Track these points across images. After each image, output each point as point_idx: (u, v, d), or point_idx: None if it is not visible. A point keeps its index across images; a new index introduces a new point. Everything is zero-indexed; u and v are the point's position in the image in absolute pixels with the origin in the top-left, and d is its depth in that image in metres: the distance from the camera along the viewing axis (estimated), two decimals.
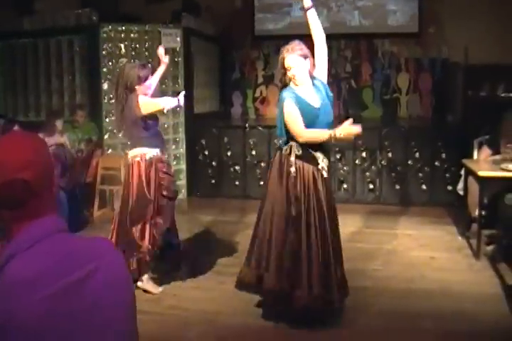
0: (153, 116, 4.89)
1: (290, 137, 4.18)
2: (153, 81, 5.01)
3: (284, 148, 4.21)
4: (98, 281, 1.33)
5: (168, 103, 4.80)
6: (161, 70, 5.21)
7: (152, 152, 4.83)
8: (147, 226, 4.78)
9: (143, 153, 4.81)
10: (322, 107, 4.24)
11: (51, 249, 1.30)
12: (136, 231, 4.75)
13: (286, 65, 4.15)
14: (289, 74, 4.17)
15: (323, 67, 4.34)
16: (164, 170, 4.89)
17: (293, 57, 4.14)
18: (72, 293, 1.27)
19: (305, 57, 4.17)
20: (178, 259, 5.30)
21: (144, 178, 4.78)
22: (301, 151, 4.17)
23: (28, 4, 8.75)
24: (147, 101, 4.76)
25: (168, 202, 4.94)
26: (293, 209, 4.13)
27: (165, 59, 5.18)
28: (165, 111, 4.90)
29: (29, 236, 1.29)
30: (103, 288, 1.34)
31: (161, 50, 5.19)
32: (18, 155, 1.31)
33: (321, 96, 4.26)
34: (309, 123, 4.15)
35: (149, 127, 4.84)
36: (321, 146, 4.24)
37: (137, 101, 4.72)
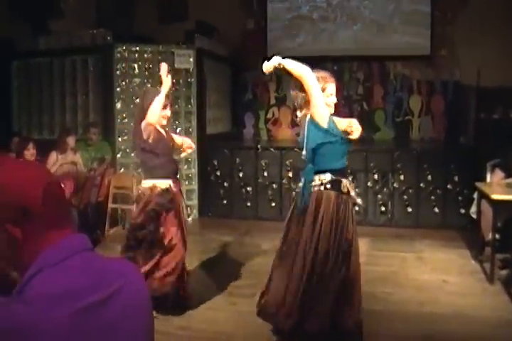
0: (162, 141, 4.74)
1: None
2: (157, 102, 4.62)
3: (342, 185, 4.18)
4: (122, 300, 1.34)
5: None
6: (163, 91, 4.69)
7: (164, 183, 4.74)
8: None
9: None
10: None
11: (78, 265, 1.31)
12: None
13: (328, 92, 4.19)
14: (330, 101, 4.20)
15: None
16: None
17: (333, 86, 4.23)
18: (97, 310, 1.27)
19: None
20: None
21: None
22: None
23: (43, 24, 8.86)
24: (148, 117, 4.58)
25: None
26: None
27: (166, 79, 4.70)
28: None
29: (58, 252, 1.31)
30: (126, 306, 1.35)
31: (163, 68, 4.77)
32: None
33: None
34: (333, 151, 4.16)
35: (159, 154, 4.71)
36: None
37: (141, 126, 4.62)
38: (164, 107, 4.65)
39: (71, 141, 7.33)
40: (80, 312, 1.24)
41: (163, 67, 4.77)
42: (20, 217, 1.30)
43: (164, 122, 4.77)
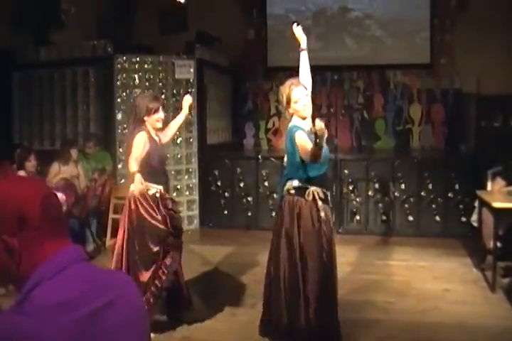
0: (158, 152, 4.66)
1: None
2: (171, 128, 4.96)
3: (307, 192, 4.14)
4: (119, 309, 1.36)
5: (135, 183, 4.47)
6: (180, 118, 5.03)
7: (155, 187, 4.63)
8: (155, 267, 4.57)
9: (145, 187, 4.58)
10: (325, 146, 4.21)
11: (75, 276, 1.34)
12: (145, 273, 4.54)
13: (294, 98, 4.10)
14: (298, 106, 4.11)
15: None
16: (170, 207, 4.64)
17: (301, 88, 4.12)
18: (95, 319, 1.30)
19: (308, 91, 4.20)
20: (186, 300, 4.93)
21: (146, 215, 4.55)
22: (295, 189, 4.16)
23: (44, 36, 8.89)
24: (135, 143, 4.53)
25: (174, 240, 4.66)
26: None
27: (186, 108, 4.99)
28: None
29: (54, 265, 1.33)
30: (123, 315, 1.37)
31: (187, 99, 5.02)
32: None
33: None
34: (322, 163, 4.10)
35: (155, 164, 4.64)
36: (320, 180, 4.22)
37: (134, 137, 4.55)
38: (156, 111, 4.59)
39: (74, 152, 7.35)
40: (81, 321, 1.26)
41: (187, 98, 5.01)
42: (17, 227, 1.32)
43: (159, 125, 4.66)
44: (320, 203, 4.08)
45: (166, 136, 4.93)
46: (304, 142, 3.95)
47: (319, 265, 4.07)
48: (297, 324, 4.06)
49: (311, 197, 4.08)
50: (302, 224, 4.08)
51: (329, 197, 4.23)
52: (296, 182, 4.10)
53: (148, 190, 4.57)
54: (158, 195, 4.58)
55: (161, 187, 4.63)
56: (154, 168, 4.63)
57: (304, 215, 4.08)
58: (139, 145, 4.49)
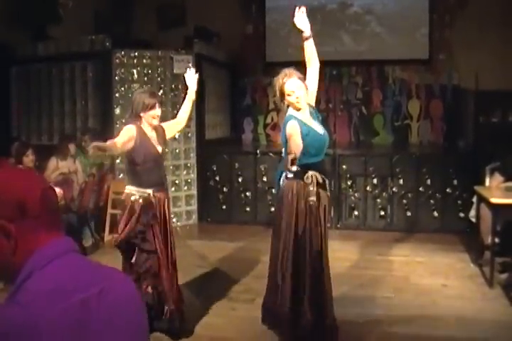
0: (145, 149, 4.45)
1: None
2: (184, 110, 4.91)
3: (306, 176, 4.15)
4: (111, 299, 1.37)
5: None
6: (189, 98, 4.96)
7: (142, 192, 4.42)
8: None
9: (129, 193, 4.43)
10: (324, 134, 4.22)
11: (66, 266, 1.36)
12: None
13: (288, 90, 4.07)
14: (291, 99, 4.09)
15: (314, 95, 4.33)
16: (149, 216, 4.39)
17: (294, 80, 4.09)
18: (87, 307, 1.31)
19: (303, 81, 4.16)
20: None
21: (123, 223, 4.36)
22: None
23: (42, 30, 8.86)
24: (120, 133, 4.43)
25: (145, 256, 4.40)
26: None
27: (193, 85, 4.99)
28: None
29: (45, 256, 1.35)
30: (116, 306, 1.38)
31: (191, 75, 5.07)
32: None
33: (319, 122, 4.25)
34: (318, 151, 4.14)
35: (139, 162, 4.42)
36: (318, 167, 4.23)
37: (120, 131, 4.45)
38: (152, 107, 4.46)
39: (72, 147, 7.34)
40: (72, 309, 1.28)
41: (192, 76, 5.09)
42: (17, 214, 1.34)
43: (155, 122, 4.52)
44: (311, 188, 4.10)
45: (182, 119, 4.90)
46: (291, 135, 4.01)
47: (310, 249, 4.12)
48: (289, 313, 4.12)
49: (309, 181, 4.11)
50: (299, 206, 4.11)
51: (327, 183, 4.25)
52: (294, 168, 4.11)
53: (131, 195, 4.41)
54: (141, 200, 4.37)
55: (149, 191, 4.42)
56: (139, 166, 4.43)
57: (301, 197, 4.11)
58: (122, 134, 4.37)
